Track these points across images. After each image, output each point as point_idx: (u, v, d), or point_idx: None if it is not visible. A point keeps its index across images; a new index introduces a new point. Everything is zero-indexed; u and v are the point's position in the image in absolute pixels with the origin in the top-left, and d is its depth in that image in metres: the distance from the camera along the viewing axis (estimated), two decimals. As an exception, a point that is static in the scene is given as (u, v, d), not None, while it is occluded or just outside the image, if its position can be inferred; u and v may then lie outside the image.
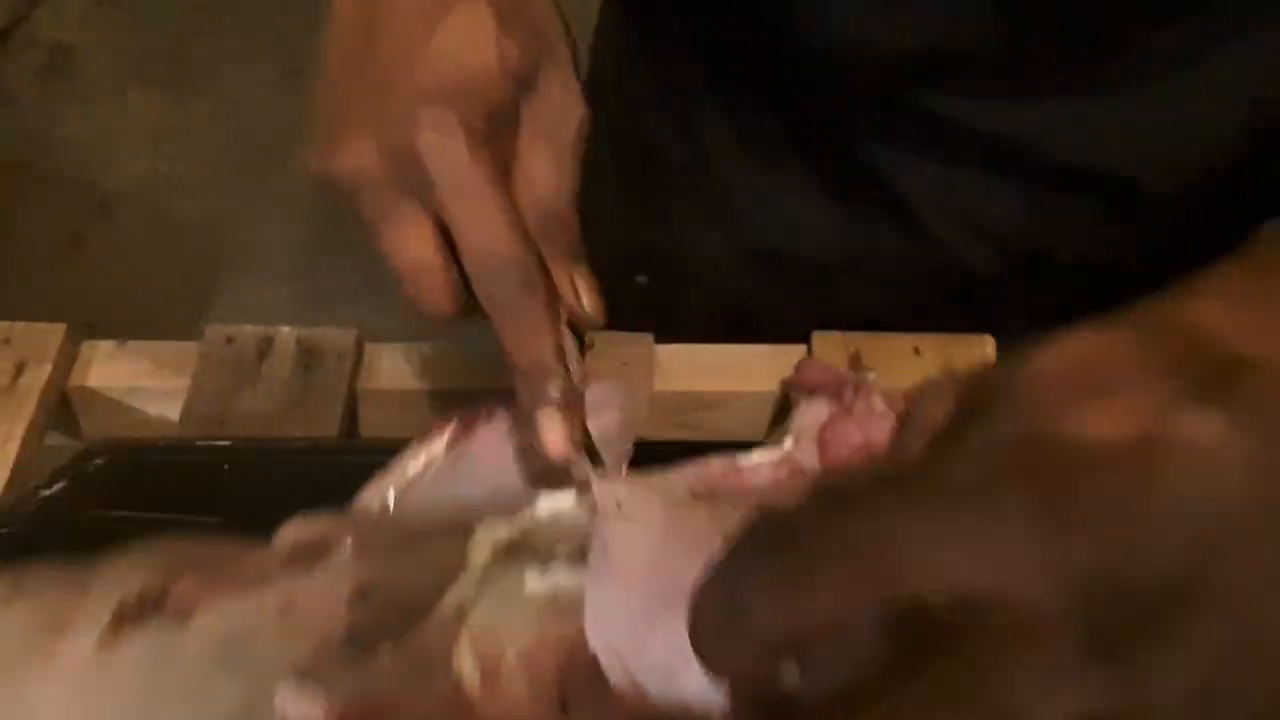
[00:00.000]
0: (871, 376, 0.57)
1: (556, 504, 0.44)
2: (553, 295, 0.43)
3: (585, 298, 0.44)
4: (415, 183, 0.40)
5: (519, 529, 0.42)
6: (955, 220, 0.64)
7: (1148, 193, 0.60)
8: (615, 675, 0.35)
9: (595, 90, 0.66)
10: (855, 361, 0.58)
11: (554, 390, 0.42)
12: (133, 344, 0.60)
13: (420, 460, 0.48)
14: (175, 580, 0.42)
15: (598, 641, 0.36)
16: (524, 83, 0.42)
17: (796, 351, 0.60)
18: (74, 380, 0.58)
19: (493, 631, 0.37)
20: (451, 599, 0.39)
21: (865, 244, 0.66)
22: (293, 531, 0.45)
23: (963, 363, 0.58)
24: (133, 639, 0.39)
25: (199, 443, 0.54)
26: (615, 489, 0.39)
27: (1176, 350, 0.26)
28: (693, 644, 0.27)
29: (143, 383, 0.59)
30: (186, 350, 0.60)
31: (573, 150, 0.44)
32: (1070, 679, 0.24)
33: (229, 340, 0.59)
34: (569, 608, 0.38)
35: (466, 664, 0.37)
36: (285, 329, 0.60)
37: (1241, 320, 0.27)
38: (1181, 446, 0.24)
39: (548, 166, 0.43)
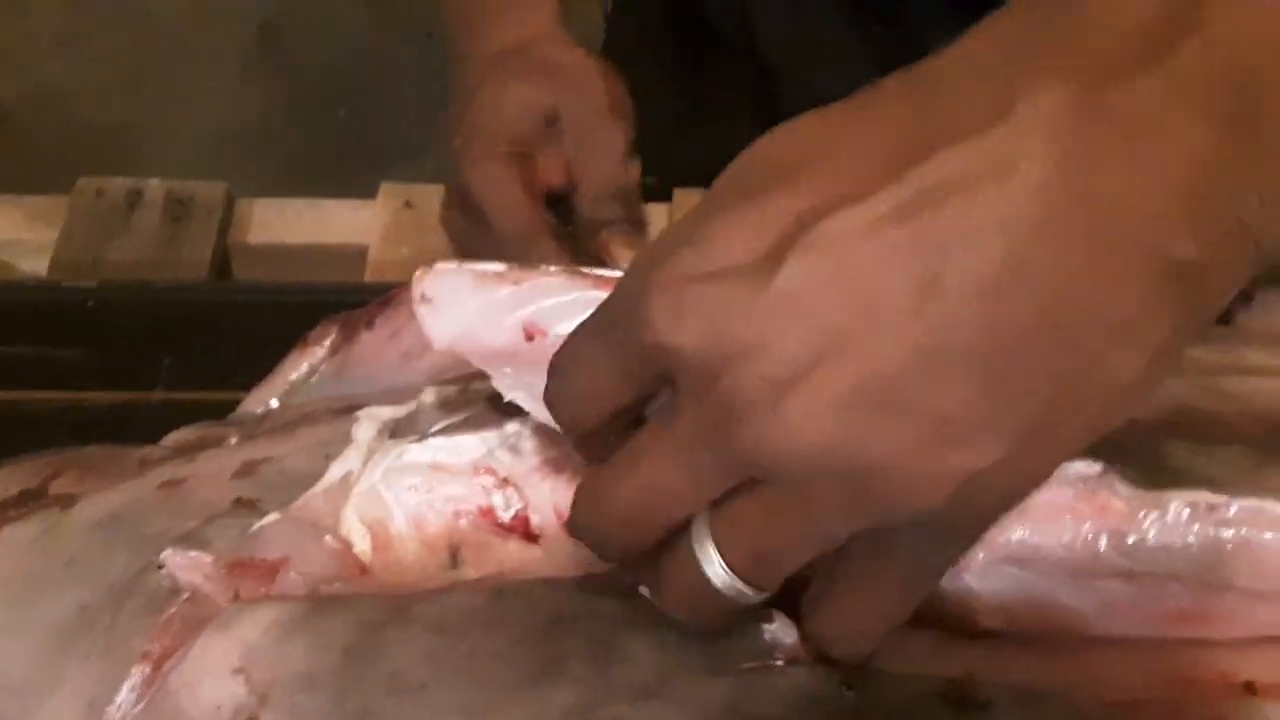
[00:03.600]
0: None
1: (443, 392, 0.44)
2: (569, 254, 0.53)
3: (625, 253, 0.52)
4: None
5: (404, 412, 0.44)
6: None
7: None
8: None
9: None
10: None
11: None
12: (5, 197, 0.61)
13: (302, 368, 0.48)
14: (56, 477, 0.42)
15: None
16: (548, 113, 0.56)
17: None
18: (-58, 233, 0.59)
19: (379, 497, 0.38)
20: (337, 470, 0.40)
21: None
22: (176, 435, 0.46)
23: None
24: (17, 527, 0.39)
25: (65, 283, 0.55)
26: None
27: (889, 130, 0.27)
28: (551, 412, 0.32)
29: (14, 235, 0.60)
30: (58, 204, 0.60)
31: (613, 143, 0.56)
32: (693, 454, 0.29)
33: (99, 192, 0.60)
34: (451, 470, 0.39)
35: (356, 531, 0.38)
36: (155, 180, 0.61)
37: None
38: (812, 246, 0.27)
39: (589, 163, 0.56)
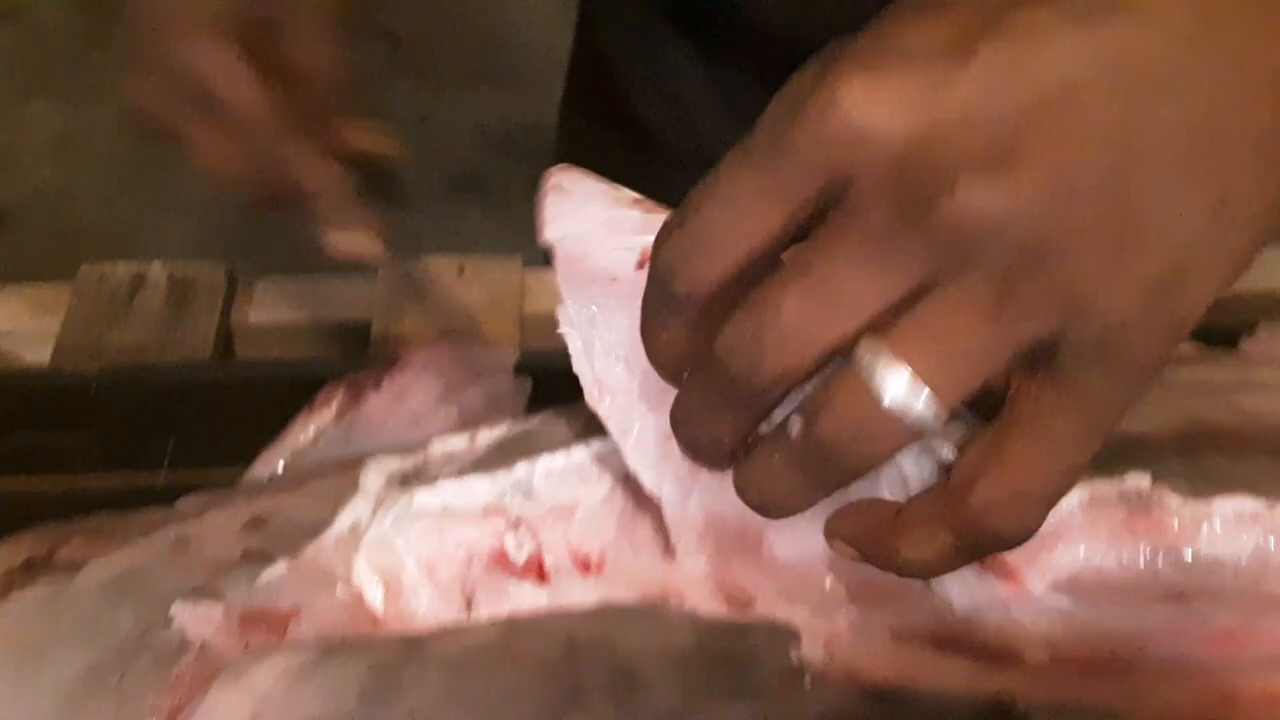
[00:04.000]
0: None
1: (449, 445, 0.44)
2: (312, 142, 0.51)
3: (366, 139, 0.52)
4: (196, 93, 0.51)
5: (411, 463, 0.43)
6: None
7: None
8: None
9: (583, 78, 0.76)
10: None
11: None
12: (8, 288, 0.61)
13: (309, 431, 0.48)
14: (62, 545, 0.41)
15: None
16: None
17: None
18: (-55, 326, 0.59)
19: (390, 544, 0.38)
20: (346, 519, 0.40)
21: None
22: (183, 502, 0.45)
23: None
24: (23, 594, 0.39)
25: (67, 369, 0.55)
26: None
27: None
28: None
29: (16, 325, 0.60)
30: (61, 292, 0.60)
31: (329, 29, 0.52)
32: (884, 245, 0.28)
33: (101, 279, 0.60)
34: (462, 514, 0.39)
35: (368, 580, 0.38)
36: (157, 264, 0.61)
37: None
38: (1004, 33, 0.28)
39: (311, 49, 0.51)
